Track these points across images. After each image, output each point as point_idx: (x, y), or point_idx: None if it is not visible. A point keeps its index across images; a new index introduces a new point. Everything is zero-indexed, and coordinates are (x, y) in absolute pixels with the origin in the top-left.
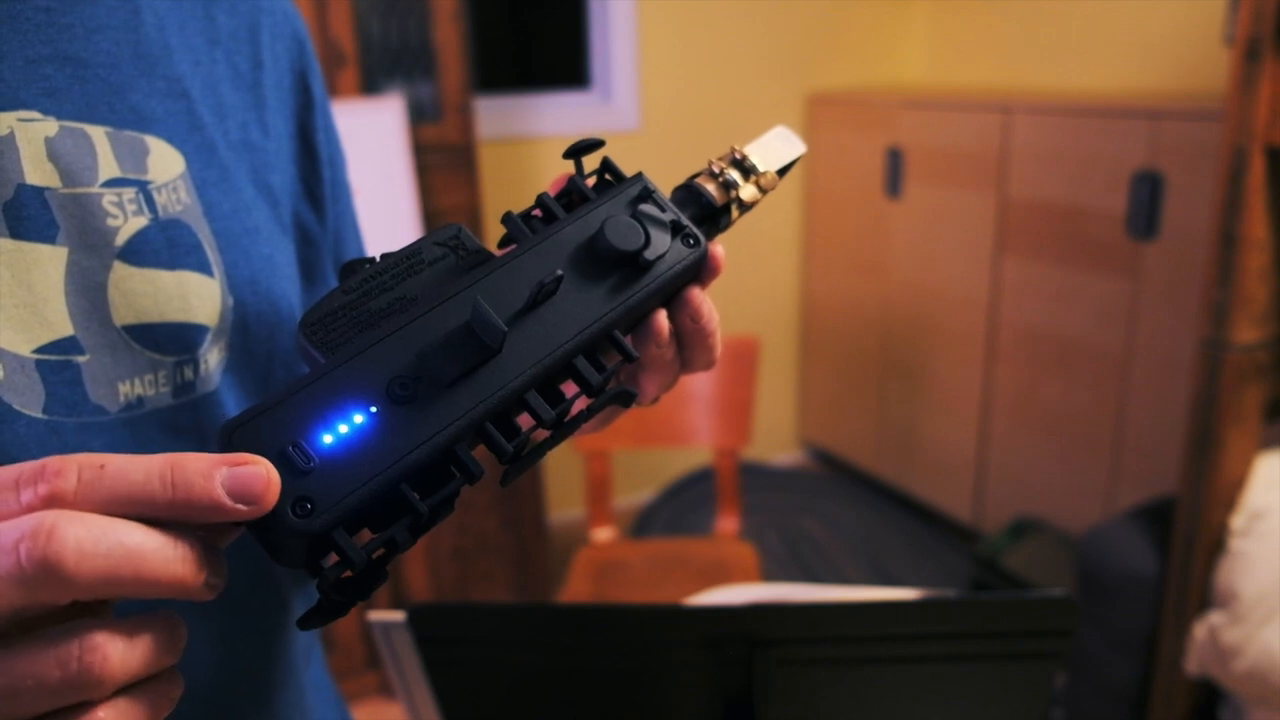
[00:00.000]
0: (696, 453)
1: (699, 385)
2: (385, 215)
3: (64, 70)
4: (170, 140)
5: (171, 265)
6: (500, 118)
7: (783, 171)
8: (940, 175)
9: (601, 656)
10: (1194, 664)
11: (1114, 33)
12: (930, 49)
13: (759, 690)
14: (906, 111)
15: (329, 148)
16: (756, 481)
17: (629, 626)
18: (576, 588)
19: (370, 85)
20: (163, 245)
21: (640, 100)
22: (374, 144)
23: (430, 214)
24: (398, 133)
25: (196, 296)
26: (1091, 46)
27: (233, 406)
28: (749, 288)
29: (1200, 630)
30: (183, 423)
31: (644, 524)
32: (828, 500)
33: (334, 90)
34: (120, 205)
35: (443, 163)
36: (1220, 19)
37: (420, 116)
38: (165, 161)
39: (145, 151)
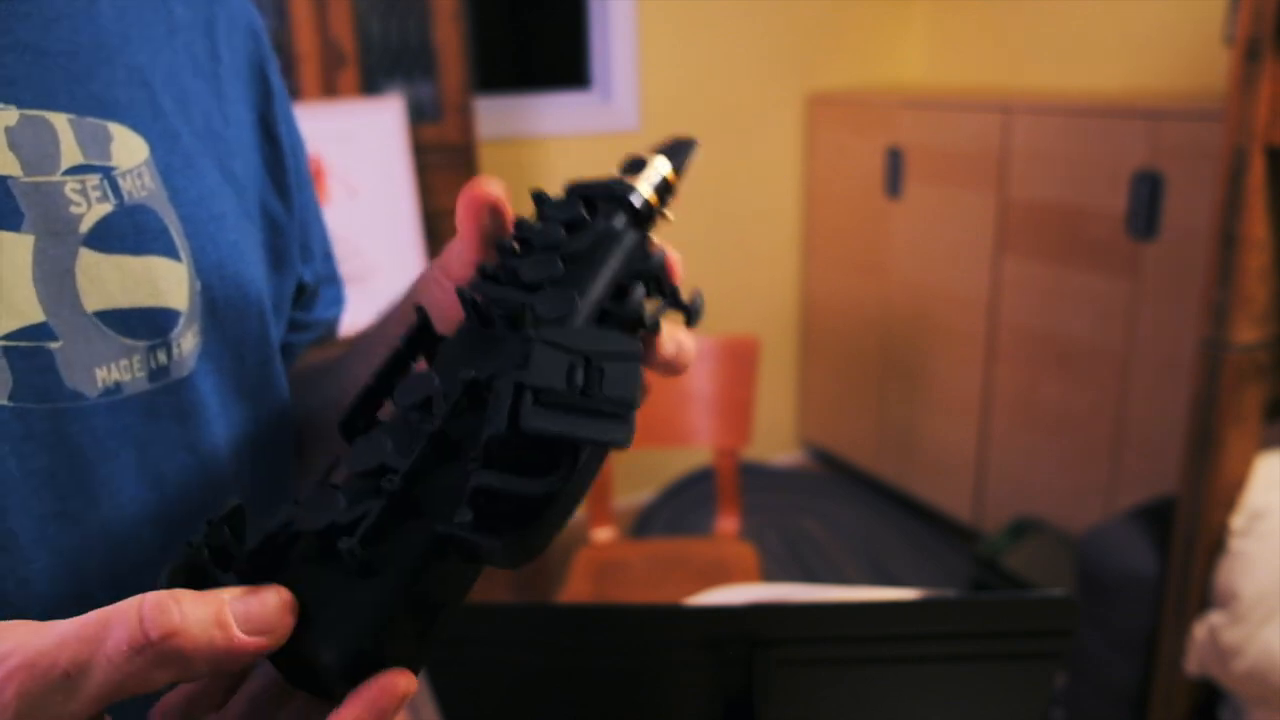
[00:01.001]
0: (696, 453)
1: (699, 385)
2: (385, 215)
3: (23, 58)
4: (133, 127)
5: (138, 250)
6: (500, 118)
7: (679, 165)
8: (940, 175)
9: (601, 656)
10: (1194, 664)
11: (1114, 33)
12: (930, 49)
13: (759, 690)
14: (906, 111)
15: (290, 138)
16: (756, 481)
17: (629, 626)
18: (576, 588)
19: (370, 85)
20: (129, 230)
21: (640, 100)
22: (374, 144)
23: (430, 214)
24: (398, 133)
25: (165, 281)
26: (1091, 46)
27: (208, 390)
28: (749, 288)
29: (1200, 630)
30: (161, 407)
31: (644, 524)
32: (828, 500)
33: (334, 90)
34: (83, 192)
35: (443, 163)
36: (1220, 19)
37: (420, 116)
38: (129, 148)
39: (108, 138)
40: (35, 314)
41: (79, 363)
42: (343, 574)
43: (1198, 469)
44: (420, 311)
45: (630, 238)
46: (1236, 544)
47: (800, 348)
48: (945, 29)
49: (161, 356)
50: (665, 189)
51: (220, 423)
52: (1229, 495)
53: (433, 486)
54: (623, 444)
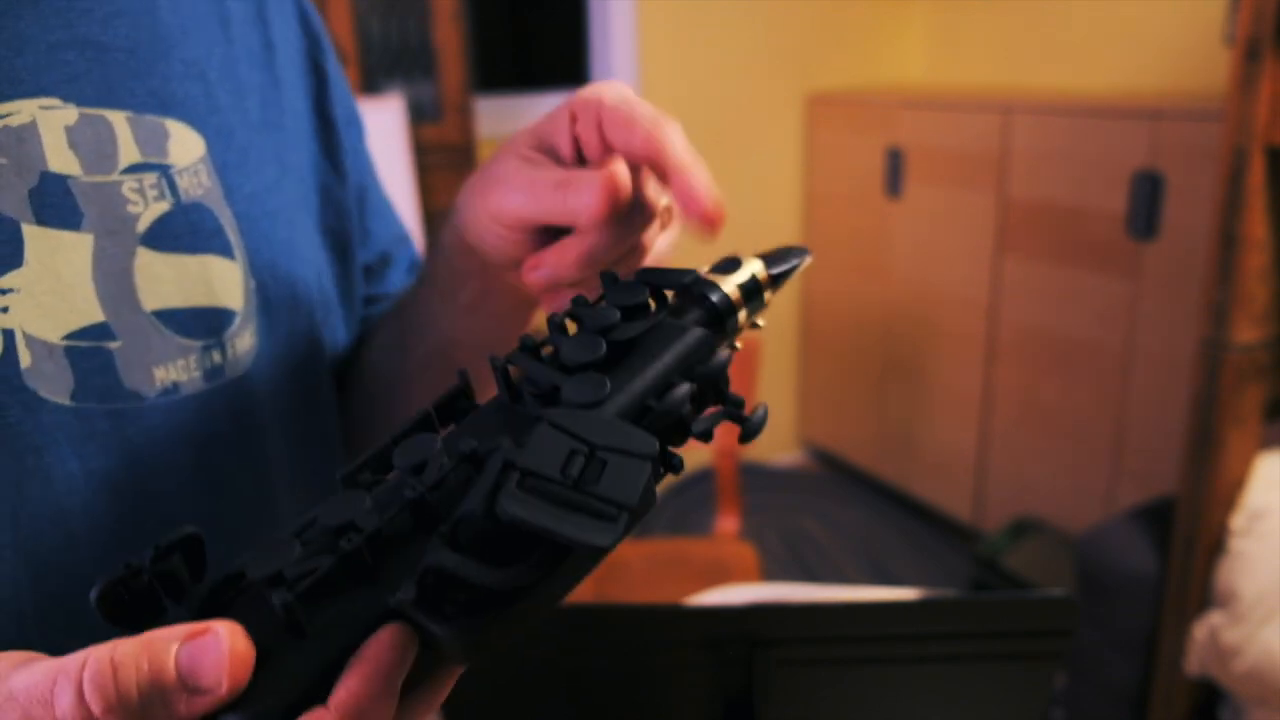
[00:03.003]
0: (696, 453)
1: None
2: None
3: (84, 55)
4: (190, 123)
5: (194, 250)
6: (500, 118)
7: (780, 275)
8: (940, 175)
9: (601, 656)
10: (1194, 664)
11: (1114, 33)
12: (930, 49)
13: (759, 690)
14: (906, 111)
15: (346, 116)
16: (756, 481)
17: (629, 626)
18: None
19: (370, 85)
20: (184, 230)
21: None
22: (374, 144)
23: (430, 214)
24: (398, 133)
25: (220, 281)
26: (1091, 46)
27: (263, 389)
28: None
29: (1200, 630)
30: (216, 408)
31: (644, 524)
32: (828, 500)
33: (343, 75)
34: (141, 191)
35: (443, 163)
36: (1220, 19)
37: (420, 116)
38: (185, 145)
39: (166, 136)
40: (95, 313)
41: (138, 362)
42: (278, 631)
43: (1198, 469)
44: (462, 376)
45: (694, 335)
46: (1236, 544)
47: (800, 348)
48: (945, 29)
49: (216, 356)
50: (754, 292)
51: (273, 422)
52: (1229, 495)
53: (403, 557)
54: (603, 549)
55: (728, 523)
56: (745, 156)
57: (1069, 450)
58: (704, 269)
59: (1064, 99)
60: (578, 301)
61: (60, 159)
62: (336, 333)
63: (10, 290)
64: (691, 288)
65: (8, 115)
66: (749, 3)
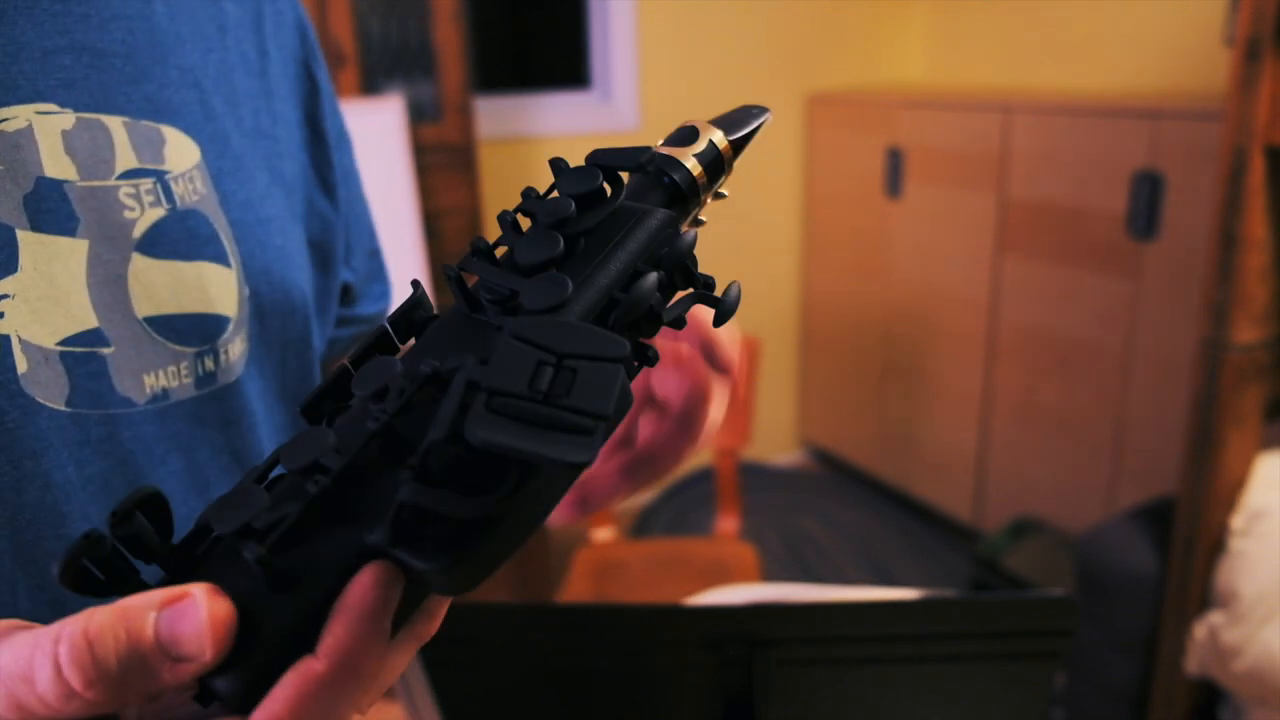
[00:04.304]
0: (697, 453)
1: None
2: (385, 216)
3: (81, 60)
4: (186, 130)
5: (189, 256)
6: (500, 118)
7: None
8: (940, 175)
9: (601, 656)
10: (1194, 664)
11: (1114, 33)
12: (930, 49)
13: (759, 690)
14: (906, 111)
15: (336, 133)
16: (756, 481)
17: (629, 626)
18: (576, 588)
19: (370, 85)
20: (180, 236)
21: (640, 100)
22: (374, 144)
23: (430, 214)
24: (398, 133)
25: (215, 287)
26: (1091, 46)
27: (254, 396)
28: (749, 288)
29: (1200, 630)
30: (207, 414)
31: (644, 524)
32: (828, 500)
33: (334, 90)
34: (137, 197)
35: (443, 163)
36: (1220, 19)
37: (420, 116)
38: (181, 151)
39: (162, 141)
40: (89, 319)
41: (129, 369)
42: (255, 583)
43: (1198, 469)
44: (416, 285)
45: (656, 217)
46: (1236, 544)
47: (800, 348)
48: (945, 29)
49: (209, 363)
50: (716, 164)
51: (264, 428)
52: (1229, 495)
53: (375, 490)
54: (581, 464)
55: (728, 523)
56: (745, 157)
57: (1069, 450)
58: (659, 144)
59: (1064, 99)
60: (527, 194)
61: (56, 164)
62: (318, 346)
63: (6, 296)
64: (648, 166)
65: (3, 121)
66: (749, 3)
